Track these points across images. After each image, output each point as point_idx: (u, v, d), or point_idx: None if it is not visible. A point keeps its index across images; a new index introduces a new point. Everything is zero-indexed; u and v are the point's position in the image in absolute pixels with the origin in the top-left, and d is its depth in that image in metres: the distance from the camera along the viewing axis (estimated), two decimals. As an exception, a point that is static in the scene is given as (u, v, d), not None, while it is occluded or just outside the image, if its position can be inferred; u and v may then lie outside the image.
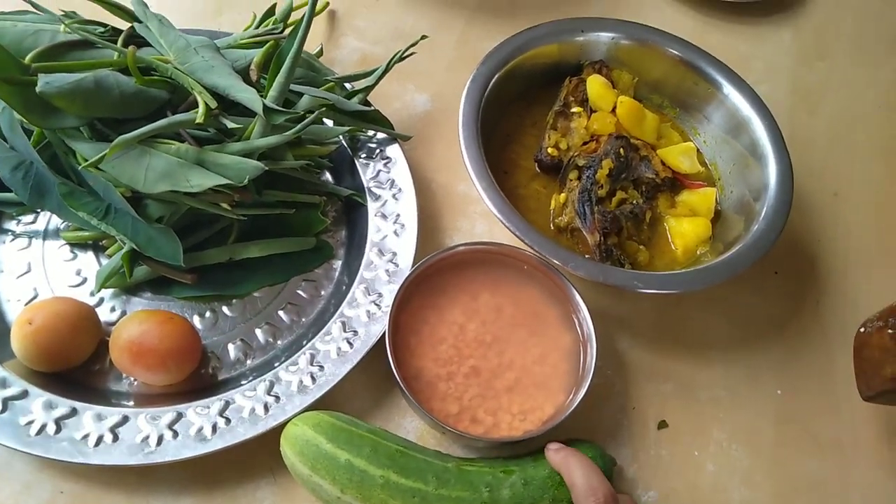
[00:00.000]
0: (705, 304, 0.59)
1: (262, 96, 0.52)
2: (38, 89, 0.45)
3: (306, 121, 0.51)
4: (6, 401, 0.45)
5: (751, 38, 0.79)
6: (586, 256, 0.55)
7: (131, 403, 0.48)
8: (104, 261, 0.54)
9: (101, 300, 0.53)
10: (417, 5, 0.75)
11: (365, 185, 0.58)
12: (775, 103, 0.62)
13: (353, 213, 0.59)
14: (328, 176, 0.61)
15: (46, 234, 0.55)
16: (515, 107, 0.64)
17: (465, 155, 0.55)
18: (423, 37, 0.63)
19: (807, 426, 0.55)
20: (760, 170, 0.58)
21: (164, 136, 0.50)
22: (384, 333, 0.50)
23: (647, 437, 0.53)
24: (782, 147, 0.57)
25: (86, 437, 0.45)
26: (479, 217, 0.62)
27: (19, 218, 0.56)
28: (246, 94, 0.51)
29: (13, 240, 0.55)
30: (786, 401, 0.56)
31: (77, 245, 0.55)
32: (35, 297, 0.52)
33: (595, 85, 0.61)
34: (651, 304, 0.59)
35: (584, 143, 0.59)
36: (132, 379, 0.50)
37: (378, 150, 0.60)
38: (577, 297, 0.51)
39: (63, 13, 0.55)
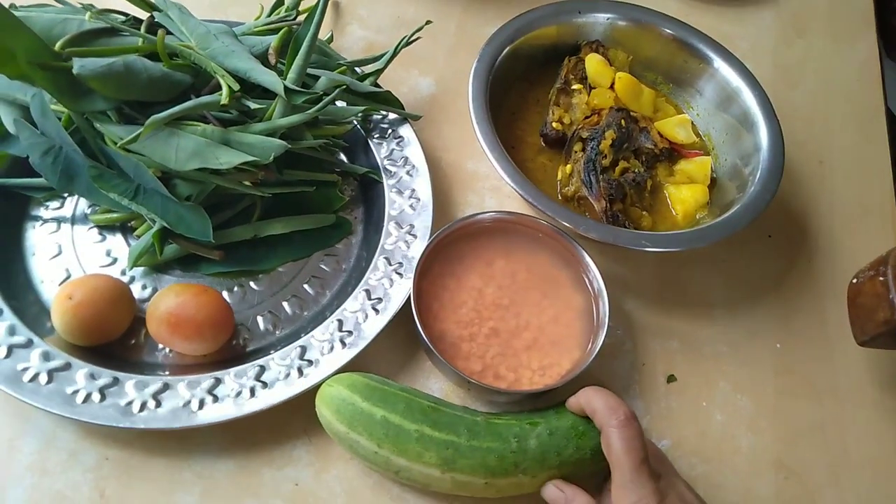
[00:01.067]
0: (705, 266, 0.63)
1: (281, 79, 0.54)
2: (74, 71, 0.47)
3: (326, 98, 0.54)
4: (51, 372, 0.47)
5: (734, 18, 0.83)
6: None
7: (167, 373, 0.50)
8: (133, 241, 0.56)
9: (133, 278, 0.55)
10: (416, -6, 0.78)
11: (380, 163, 0.61)
12: (760, 80, 0.65)
13: (368, 191, 0.62)
14: (342, 156, 0.63)
15: (74, 219, 0.57)
16: (518, 86, 0.67)
17: (476, 130, 0.58)
18: (428, 22, 0.66)
19: (805, 375, 0.58)
20: (752, 137, 0.61)
21: (189, 119, 0.52)
22: (408, 299, 0.52)
23: (658, 390, 0.56)
24: (772, 114, 0.61)
25: (130, 403, 0.47)
26: (488, 191, 0.65)
27: (47, 203, 0.57)
28: (267, 77, 0.54)
29: (42, 224, 0.56)
30: (784, 353, 0.59)
31: (105, 227, 0.57)
32: (68, 278, 0.54)
33: (593, 63, 0.64)
34: (654, 267, 0.62)
35: (586, 118, 0.62)
36: (167, 351, 0.52)
37: (390, 130, 0.62)
38: (587, 258, 0.54)
39: (82, 5, 0.57)
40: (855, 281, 0.54)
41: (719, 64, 0.64)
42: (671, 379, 0.57)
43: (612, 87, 0.64)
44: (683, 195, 0.61)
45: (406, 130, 0.63)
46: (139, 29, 0.55)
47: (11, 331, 0.49)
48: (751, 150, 0.60)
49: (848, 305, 0.54)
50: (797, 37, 0.82)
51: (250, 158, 0.51)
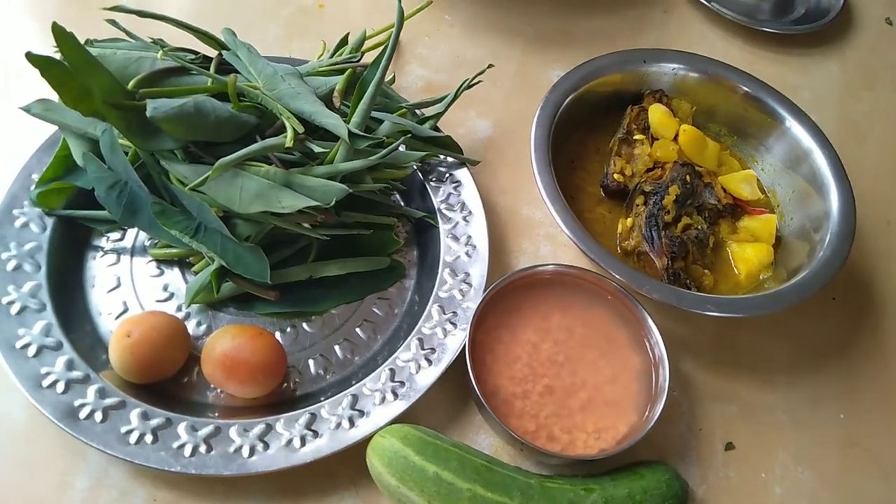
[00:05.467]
0: (765, 328, 0.61)
1: (344, 122, 0.54)
2: (148, 114, 0.47)
3: (391, 146, 0.53)
4: (106, 410, 0.47)
5: (798, 68, 0.81)
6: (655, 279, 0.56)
7: (217, 415, 0.50)
8: (190, 277, 0.56)
9: (188, 315, 0.55)
10: (476, 35, 0.78)
11: (436, 207, 0.60)
12: (824, 132, 0.64)
13: (423, 235, 0.61)
14: (398, 198, 0.63)
15: (134, 251, 0.58)
16: (579, 134, 0.66)
17: (537, 179, 0.57)
18: (490, 65, 0.65)
19: (871, 450, 0.56)
20: (821, 200, 0.59)
21: (254, 159, 0.52)
22: (461, 351, 0.52)
23: (715, 458, 0.54)
24: (844, 178, 0.59)
25: (181, 446, 0.47)
26: (543, 239, 0.64)
27: (108, 235, 0.58)
28: (331, 120, 0.54)
29: (103, 255, 0.57)
30: (849, 425, 0.57)
31: (164, 262, 0.57)
32: (125, 311, 0.54)
33: (657, 113, 0.63)
34: (713, 328, 0.60)
35: (649, 170, 0.61)
36: (218, 391, 0.52)
37: (447, 174, 0.62)
38: (650, 321, 0.53)
39: (153, 41, 0.57)
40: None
41: (790, 122, 0.62)
42: (729, 447, 0.55)
43: (675, 138, 0.63)
44: (747, 254, 0.59)
45: (463, 174, 0.62)
46: (208, 67, 0.56)
47: (70, 365, 0.49)
48: (820, 213, 0.58)
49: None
50: (864, 89, 0.80)
51: (312, 203, 0.50)
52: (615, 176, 0.61)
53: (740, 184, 0.62)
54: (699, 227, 0.59)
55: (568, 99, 0.62)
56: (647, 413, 0.51)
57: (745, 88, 0.65)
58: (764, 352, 0.60)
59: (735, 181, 0.62)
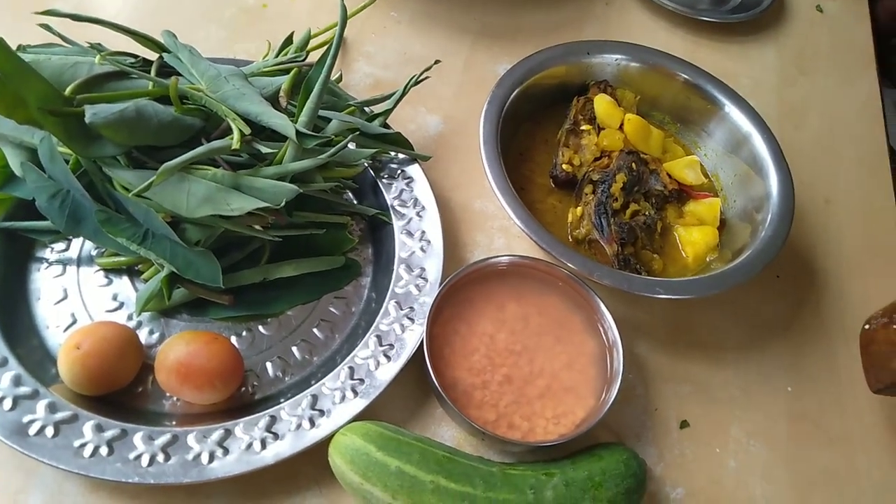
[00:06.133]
0: (714, 309, 0.62)
1: (292, 121, 0.54)
2: (87, 120, 0.46)
3: (339, 145, 0.53)
4: (58, 424, 0.46)
5: (737, 56, 0.84)
6: (606, 266, 0.57)
7: (174, 423, 0.49)
8: (139, 285, 0.55)
9: (140, 323, 0.54)
10: (423, 31, 0.78)
11: (389, 203, 0.60)
12: (764, 117, 0.66)
13: (377, 232, 0.61)
14: (351, 196, 0.63)
15: (80, 261, 0.56)
16: (527, 126, 0.67)
17: (487, 173, 0.57)
18: (437, 61, 0.66)
19: (817, 421, 0.58)
20: (762, 182, 0.61)
21: (200, 162, 0.52)
22: (420, 345, 0.52)
23: (671, 436, 0.56)
24: (782, 160, 0.61)
25: (138, 457, 0.46)
26: (497, 231, 0.64)
27: (52, 246, 0.56)
28: (278, 120, 0.53)
29: (48, 267, 0.56)
30: (796, 398, 0.59)
31: (112, 271, 0.56)
32: (74, 323, 0.53)
33: (603, 104, 0.64)
34: (664, 310, 0.62)
35: (596, 159, 0.62)
36: (174, 399, 0.51)
37: (399, 170, 0.62)
38: (602, 306, 0.54)
39: (90, 45, 0.56)
40: (867, 327, 0.54)
41: (730, 108, 0.64)
42: (684, 425, 0.56)
43: (620, 127, 0.64)
44: (694, 237, 0.61)
45: (415, 170, 0.62)
46: (149, 70, 0.55)
47: (17, 381, 0.48)
48: (761, 195, 0.61)
49: (861, 353, 0.54)
50: (800, 74, 0.83)
51: (262, 204, 0.50)
52: (564, 166, 0.62)
53: (685, 169, 0.64)
54: (647, 213, 0.60)
55: (514, 92, 0.63)
56: (603, 396, 0.52)
57: (685, 76, 0.66)
58: (714, 331, 0.61)
59: (679, 167, 0.64)
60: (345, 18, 0.58)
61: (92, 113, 0.47)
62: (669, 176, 0.63)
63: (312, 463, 0.49)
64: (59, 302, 0.54)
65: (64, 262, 0.56)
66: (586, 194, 0.60)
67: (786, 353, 0.61)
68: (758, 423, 0.57)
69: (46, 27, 0.55)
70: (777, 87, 0.81)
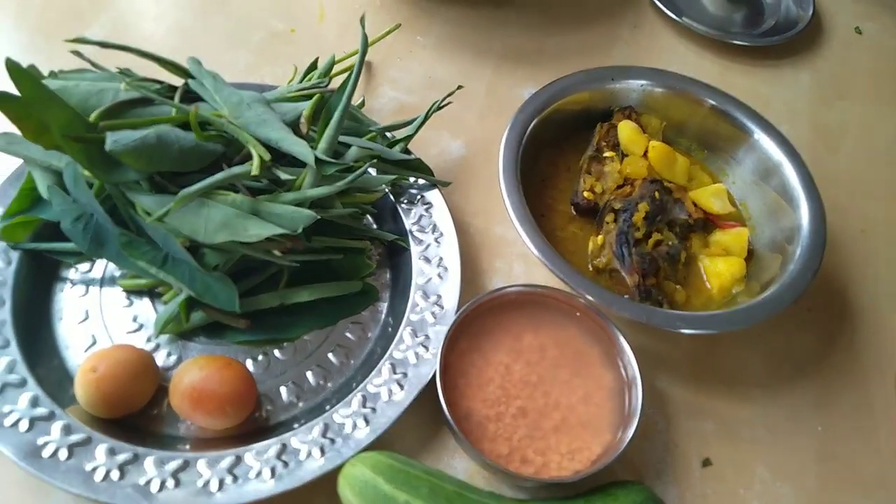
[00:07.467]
0: (741, 343, 0.60)
1: (312, 148, 0.54)
2: (107, 148, 0.47)
3: (357, 172, 0.53)
4: (71, 447, 0.47)
5: (770, 79, 0.82)
6: (625, 297, 0.56)
7: (187, 447, 0.50)
8: (160, 307, 0.56)
9: (158, 346, 0.55)
10: (446, 55, 0.78)
11: (407, 229, 0.60)
12: (796, 143, 0.64)
13: (395, 257, 0.61)
14: (370, 220, 0.63)
15: (103, 282, 0.57)
16: (548, 152, 0.66)
17: (506, 200, 0.57)
18: (460, 87, 0.66)
19: (849, 463, 0.55)
20: (792, 212, 0.59)
21: (221, 187, 0.52)
22: (433, 375, 0.51)
23: (692, 475, 0.54)
24: (814, 191, 0.59)
25: (149, 482, 0.46)
26: (517, 258, 0.64)
27: (76, 266, 0.58)
28: (298, 147, 0.54)
29: (71, 287, 0.57)
30: (827, 438, 0.56)
31: (133, 292, 0.57)
32: (94, 344, 0.54)
33: (626, 130, 0.63)
34: (687, 342, 0.60)
35: (619, 187, 0.61)
36: (188, 423, 0.51)
37: (419, 196, 0.62)
38: (621, 339, 0.52)
39: (119, 70, 0.57)
40: (903, 367, 0.51)
41: (759, 135, 0.63)
42: (706, 463, 0.54)
43: (645, 154, 0.63)
44: (719, 268, 0.59)
45: (434, 196, 0.62)
46: (173, 96, 0.56)
47: (34, 402, 0.48)
48: (792, 225, 0.59)
49: (896, 393, 0.51)
50: (837, 98, 0.81)
51: (279, 231, 0.50)
52: (585, 194, 0.61)
53: (711, 198, 0.62)
54: (670, 242, 0.59)
55: (536, 118, 0.62)
56: (621, 432, 0.50)
57: (712, 102, 0.65)
58: (740, 366, 0.59)
59: (706, 195, 0.62)
60: (366, 45, 0.58)
61: (112, 140, 0.47)
62: (695, 204, 0.62)
63: (323, 493, 0.48)
64: (80, 322, 0.55)
65: (87, 283, 0.57)
66: (607, 223, 0.59)
67: (816, 391, 0.59)
68: (785, 464, 0.55)
69: (78, 53, 0.56)
70: (811, 111, 0.79)
